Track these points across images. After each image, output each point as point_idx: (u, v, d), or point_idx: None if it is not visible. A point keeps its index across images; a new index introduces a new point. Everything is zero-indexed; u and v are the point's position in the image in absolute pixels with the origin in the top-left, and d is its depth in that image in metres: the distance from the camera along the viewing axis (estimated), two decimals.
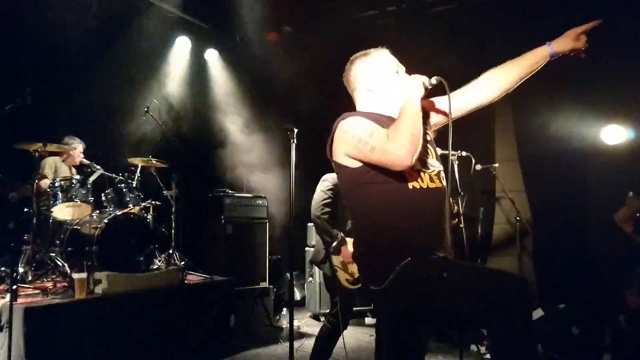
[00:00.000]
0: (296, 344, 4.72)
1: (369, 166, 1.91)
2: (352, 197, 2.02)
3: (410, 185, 1.91)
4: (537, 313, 4.81)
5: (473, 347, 4.62)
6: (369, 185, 1.93)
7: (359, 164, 1.93)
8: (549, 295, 5.13)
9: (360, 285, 3.29)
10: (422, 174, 1.96)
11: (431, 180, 1.97)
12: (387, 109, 2.07)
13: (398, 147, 1.80)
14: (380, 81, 2.07)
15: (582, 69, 5.16)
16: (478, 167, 5.05)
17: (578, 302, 4.68)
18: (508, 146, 6.06)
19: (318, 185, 3.61)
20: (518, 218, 5.05)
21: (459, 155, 3.56)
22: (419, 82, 1.96)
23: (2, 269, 4.03)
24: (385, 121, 1.98)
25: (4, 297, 3.57)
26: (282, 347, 4.77)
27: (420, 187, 1.93)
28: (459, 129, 6.32)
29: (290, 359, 2.56)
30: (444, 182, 2.03)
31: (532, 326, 1.71)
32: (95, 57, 5.55)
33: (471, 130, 5.94)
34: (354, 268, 3.32)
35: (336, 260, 3.35)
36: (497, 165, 5.34)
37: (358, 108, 2.14)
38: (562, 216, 5.32)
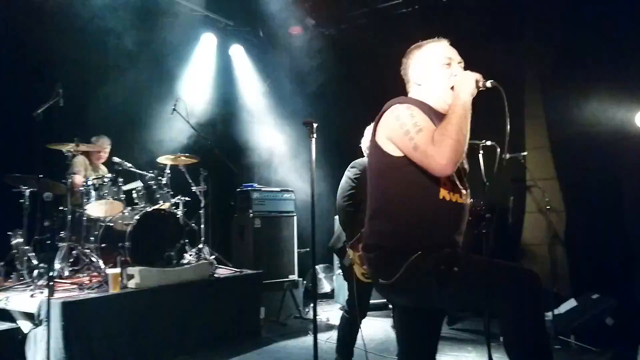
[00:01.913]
0: (325, 335, 4.79)
1: (410, 161, 1.86)
2: (379, 183, 1.96)
3: (441, 194, 1.87)
4: (570, 303, 4.72)
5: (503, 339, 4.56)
6: (402, 179, 1.88)
7: (401, 154, 1.88)
8: (582, 285, 5.02)
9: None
10: (454, 187, 1.93)
11: (460, 196, 1.94)
12: (435, 102, 2.02)
13: (441, 154, 1.74)
14: (428, 75, 2.03)
15: (615, 52, 5.01)
16: (506, 155, 4.96)
17: (612, 291, 4.57)
18: (538, 133, 5.92)
19: (346, 171, 3.55)
20: (549, 207, 4.94)
21: (484, 144, 3.49)
22: (472, 80, 1.88)
23: (41, 265, 4.19)
24: (433, 115, 1.94)
25: (42, 292, 3.71)
26: (312, 339, 4.80)
27: (450, 199, 1.90)
28: (487, 117, 6.19)
29: (315, 350, 2.58)
30: (468, 202, 2.01)
31: (542, 319, 1.69)
32: (122, 56, 5.68)
33: (499, 119, 5.87)
34: None
35: (353, 253, 3.35)
36: (525, 153, 5.23)
37: (410, 94, 2.11)
38: (595, 204, 5.18)
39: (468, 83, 1.88)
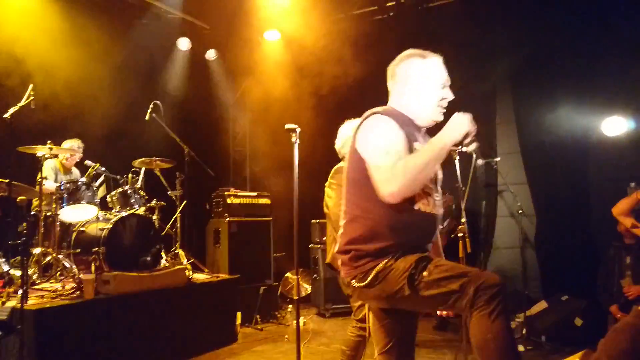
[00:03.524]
0: (303, 339, 4.78)
1: None
2: (358, 189, 1.97)
3: (416, 206, 1.91)
4: (541, 305, 4.86)
5: None
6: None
7: None
8: (552, 287, 5.17)
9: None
10: (429, 198, 1.96)
11: (434, 206, 1.98)
12: (418, 116, 2.04)
13: (394, 184, 1.78)
14: (422, 88, 2.02)
15: (583, 61, 5.19)
16: (480, 161, 5.07)
17: (581, 293, 4.72)
18: (510, 139, 6.08)
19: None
20: (520, 211, 5.07)
21: (460, 150, 3.58)
22: (464, 128, 1.87)
23: (11, 271, 4.07)
24: (410, 128, 1.97)
25: (13, 300, 3.61)
26: (288, 344, 4.82)
27: (425, 210, 1.93)
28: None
29: (297, 356, 2.60)
30: (441, 212, 2.05)
31: (508, 322, 1.75)
32: (96, 58, 5.59)
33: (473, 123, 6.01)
34: None
35: None
36: (498, 158, 5.37)
37: (391, 101, 2.11)
38: (564, 208, 5.35)
39: (460, 129, 1.87)
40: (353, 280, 1.93)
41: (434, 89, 2.02)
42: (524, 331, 4.66)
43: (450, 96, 2.05)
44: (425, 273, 1.79)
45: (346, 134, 3.34)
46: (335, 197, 3.25)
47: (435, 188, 2.02)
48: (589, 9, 5.08)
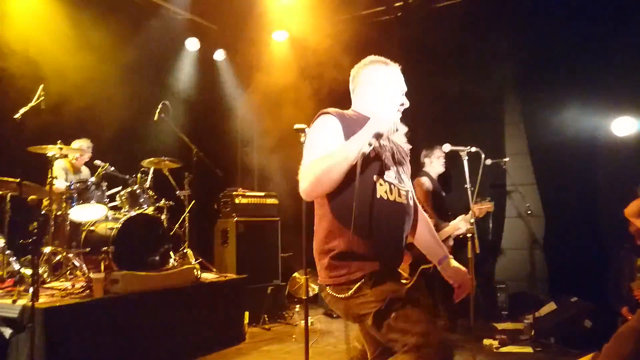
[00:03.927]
0: (310, 340, 4.78)
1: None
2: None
3: (379, 194, 1.96)
4: (550, 306, 4.83)
5: (486, 341, 4.65)
6: (339, 185, 1.92)
7: None
8: (561, 289, 5.14)
9: (410, 282, 3.28)
10: (392, 186, 2.01)
11: (399, 195, 2.03)
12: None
13: (305, 182, 1.85)
14: (385, 95, 2.09)
15: (592, 61, 5.16)
16: (488, 161, 5.06)
17: (590, 294, 4.69)
18: (518, 139, 6.06)
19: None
20: (529, 212, 5.05)
21: (469, 150, 3.57)
22: (375, 129, 1.86)
23: (22, 269, 4.11)
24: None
25: (24, 298, 3.64)
26: (296, 344, 4.83)
27: (388, 198, 1.98)
28: (469, 123, 6.32)
29: (306, 356, 2.60)
30: (411, 202, 2.09)
31: None
32: (105, 59, 5.63)
33: (481, 125, 6.00)
34: (405, 266, 3.29)
35: None
36: (507, 159, 5.35)
37: (354, 104, 2.18)
38: (573, 209, 5.32)
39: (376, 126, 1.87)
40: (328, 287, 1.98)
41: (395, 94, 2.10)
42: (532, 332, 4.64)
43: (407, 103, 2.13)
44: (393, 315, 1.83)
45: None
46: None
47: (399, 178, 2.06)
48: (598, 8, 5.06)
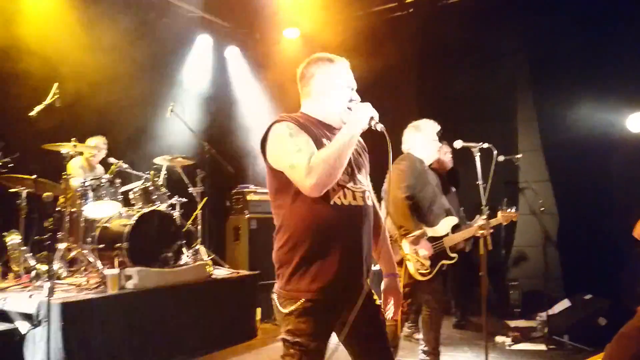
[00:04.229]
0: None
1: None
2: (276, 203, 2.00)
3: (332, 201, 1.91)
4: (564, 304, 4.79)
5: (498, 339, 4.63)
6: (293, 194, 1.91)
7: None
8: (575, 286, 5.09)
9: (431, 274, 3.28)
10: (346, 190, 1.95)
11: (354, 198, 1.97)
12: (328, 117, 2.07)
13: (313, 177, 1.79)
14: (330, 91, 2.05)
15: (606, 55, 5.09)
16: (501, 158, 5.01)
17: (605, 292, 4.64)
18: (531, 136, 6.01)
19: (395, 164, 3.42)
20: (542, 208, 5.01)
21: (481, 147, 3.54)
22: (368, 115, 1.92)
23: (38, 265, 4.18)
24: (320, 129, 2.00)
25: (40, 293, 3.70)
26: None
27: (342, 203, 1.93)
28: (481, 120, 6.26)
29: None
30: (369, 202, 2.03)
31: None
32: (118, 57, 5.68)
33: (493, 121, 5.95)
34: (426, 259, 3.29)
35: (409, 248, 3.26)
36: (520, 156, 5.30)
37: (302, 106, 2.14)
38: (587, 205, 5.26)
39: (363, 116, 1.92)
40: (275, 295, 1.98)
41: (342, 91, 2.05)
42: (545, 330, 4.61)
43: (357, 98, 2.07)
44: (292, 351, 1.89)
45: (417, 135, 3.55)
46: (394, 180, 3.33)
47: (353, 180, 2.01)
48: (612, 3, 4.99)
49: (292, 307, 1.89)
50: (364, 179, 2.07)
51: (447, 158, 4.98)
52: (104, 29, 5.51)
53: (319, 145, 1.92)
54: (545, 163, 5.81)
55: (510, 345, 4.51)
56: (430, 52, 6.44)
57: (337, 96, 2.05)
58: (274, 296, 1.97)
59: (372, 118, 1.93)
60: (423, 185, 3.43)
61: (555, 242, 5.60)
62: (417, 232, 3.22)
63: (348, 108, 2.01)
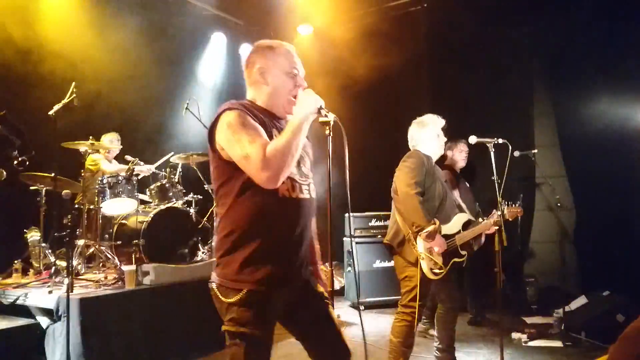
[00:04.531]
0: None
1: None
2: (221, 192, 1.95)
3: (280, 193, 1.90)
4: (581, 300, 4.75)
5: (514, 335, 4.60)
6: (241, 185, 1.88)
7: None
8: (593, 282, 5.04)
9: (442, 273, 3.28)
10: (294, 183, 1.95)
11: (300, 190, 1.97)
12: (274, 106, 2.03)
13: (269, 168, 1.76)
14: (276, 79, 2.01)
15: (624, 50, 5.01)
16: (517, 153, 4.98)
17: (622, 288, 4.58)
18: (548, 131, 5.95)
19: (403, 162, 3.41)
20: (559, 204, 4.96)
21: (496, 142, 3.52)
22: (314, 104, 1.89)
23: (57, 261, 4.26)
24: (268, 118, 1.97)
25: (60, 289, 3.77)
26: None
27: (290, 196, 1.93)
28: (497, 115, 6.19)
29: None
30: (313, 195, 2.04)
31: None
32: (134, 56, 5.74)
33: (509, 117, 5.90)
34: (438, 257, 3.25)
35: (422, 246, 3.23)
36: (536, 151, 5.25)
37: (248, 95, 2.11)
38: (604, 201, 5.20)
39: (309, 105, 1.88)
40: (214, 284, 1.95)
41: (286, 77, 2.01)
42: (562, 327, 4.57)
43: (303, 84, 2.02)
44: (237, 341, 1.90)
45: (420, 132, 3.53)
46: (401, 177, 3.33)
47: (300, 172, 2.01)
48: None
49: (237, 297, 1.87)
50: (308, 171, 2.07)
51: (461, 157, 4.93)
52: (119, 28, 5.58)
53: (269, 135, 1.90)
54: (562, 158, 5.75)
55: (526, 342, 4.48)
56: (444, 47, 6.39)
57: (278, 84, 2.00)
58: (213, 285, 1.94)
59: (320, 107, 1.90)
60: (432, 182, 3.40)
61: (572, 238, 5.54)
62: (430, 228, 3.19)
63: (293, 97, 1.98)
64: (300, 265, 2.00)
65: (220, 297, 1.91)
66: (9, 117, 1.19)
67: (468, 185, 5.06)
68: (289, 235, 1.94)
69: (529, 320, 5.14)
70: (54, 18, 5.28)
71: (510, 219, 3.67)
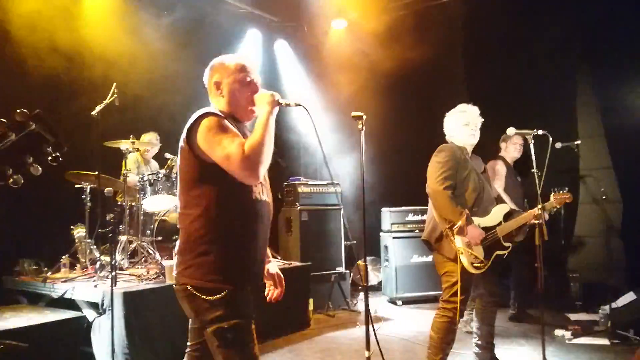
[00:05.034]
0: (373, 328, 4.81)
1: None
2: (195, 193, 2.02)
3: (253, 195, 2.04)
4: (629, 297, 4.57)
5: (558, 332, 4.47)
6: (219, 187, 1.97)
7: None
8: None
9: (484, 266, 3.22)
10: (262, 186, 2.10)
11: (265, 193, 2.12)
12: (234, 112, 2.15)
13: (252, 164, 1.89)
14: (231, 90, 2.14)
15: None
16: (558, 145, 4.83)
17: None
18: (592, 121, 5.74)
19: (433, 156, 3.37)
20: (604, 197, 4.78)
21: (535, 134, 3.41)
22: (267, 99, 2.04)
23: (102, 257, 4.41)
24: (233, 123, 2.07)
25: (105, 283, 3.91)
26: (360, 330, 4.86)
27: (260, 199, 2.07)
28: (538, 105, 6.01)
29: (367, 343, 2.62)
30: (270, 197, 2.17)
31: None
32: (172, 56, 5.86)
33: (550, 107, 5.72)
34: (479, 250, 3.22)
35: (460, 241, 3.17)
36: (579, 142, 5.08)
37: (212, 104, 2.21)
38: None
39: (266, 101, 2.05)
40: (189, 286, 1.97)
41: (238, 88, 2.15)
42: (608, 324, 4.41)
43: (258, 95, 2.13)
44: (230, 336, 1.96)
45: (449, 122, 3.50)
46: (431, 173, 3.31)
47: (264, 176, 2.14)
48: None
49: (219, 296, 1.94)
50: (266, 175, 2.16)
51: (514, 149, 4.86)
52: (157, 29, 5.70)
53: (243, 136, 2.03)
54: (607, 149, 5.53)
55: (570, 339, 4.35)
56: (480, 36, 6.24)
57: (234, 94, 2.14)
58: (190, 287, 1.97)
59: (274, 100, 2.04)
60: (466, 174, 3.33)
61: (619, 232, 5.34)
62: (460, 222, 3.13)
63: (252, 102, 2.12)
64: (264, 262, 2.21)
65: (201, 296, 1.96)
66: (43, 116, 1.25)
67: (520, 179, 4.95)
68: (260, 236, 2.09)
69: (574, 316, 4.99)
70: (95, 22, 5.44)
71: (557, 206, 3.56)
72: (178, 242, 2.08)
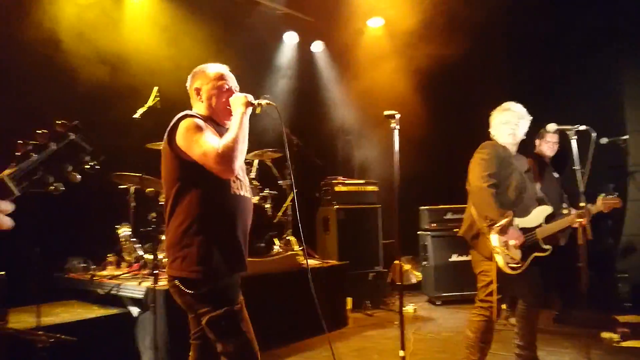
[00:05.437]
0: (412, 327, 4.79)
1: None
2: (176, 190, 2.17)
3: (232, 190, 2.19)
4: None
5: (604, 334, 4.32)
6: (199, 184, 2.13)
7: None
8: None
9: (521, 268, 3.16)
10: (239, 182, 2.26)
11: (244, 189, 2.28)
12: (213, 115, 2.33)
13: (224, 159, 2.03)
14: (210, 95, 2.33)
15: None
16: (604, 140, 4.65)
17: None
18: None
19: (476, 153, 3.32)
20: None
21: (577, 129, 3.30)
22: (240, 101, 2.22)
23: (145, 255, 4.55)
24: (212, 124, 2.24)
25: (148, 281, 4.03)
26: (398, 330, 4.82)
27: (238, 193, 2.23)
28: (582, 99, 5.83)
29: (401, 343, 2.60)
30: (249, 192, 2.34)
31: None
32: (211, 59, 5.97)
33: (596, 101, 5.51)
34: (515, 251, 3.15)
35: (497, 240, 3.11)
36: (627, 137, 4.88)
37: (193, 108, 2.40)
38: None
39: (239, 102, 2.22)
40: (176, 280, 2.13)
41: (216, 93, 2.33)
42: None
43: (232, 97, 2.29)
44: (223, 323, 2.13)
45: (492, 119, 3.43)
46: (474, 169, 3.25)
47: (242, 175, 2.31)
48: None
49: (205, 289, 2.10)
50: (244, 176, 2.35)
51: (548, 146, 4.69)
52: (195, 34, 5.82)
53: (219, 136, 2.18)
54: None
55: (618, 342, 4.19)
56: (520, 30, 6.08)
57: (212, 99, 2.32)
58: (177, 281, 2.12)
59: (247, 102, 2.21)
60: (509, 173, 3.26)
61: None
62: (504, 221, 3.05)
63: (228, 107, 2.28)
64: (246, 255, 2.33)
65: (187, 290, 2.11)
66: (80, 127, 1.34)
67: (557, 175, 4.79)
68: (241, 229, 2.23)
69: (622, 319, 4.78)
70: (136, 28, 5.61)
71: (605, 211, 3.42)
72: (165, 238, 2.26)
